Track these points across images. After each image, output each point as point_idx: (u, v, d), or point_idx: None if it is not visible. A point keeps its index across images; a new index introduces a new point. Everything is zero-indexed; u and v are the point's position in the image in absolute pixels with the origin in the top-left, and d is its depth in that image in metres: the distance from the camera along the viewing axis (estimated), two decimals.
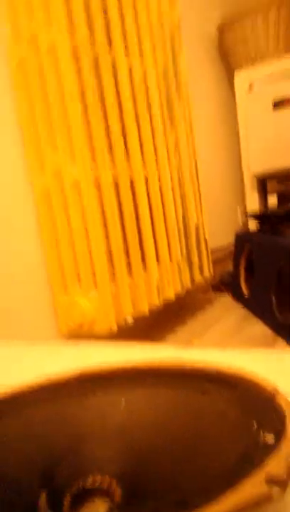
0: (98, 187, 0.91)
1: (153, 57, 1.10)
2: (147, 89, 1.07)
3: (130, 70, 1.02)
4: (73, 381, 0.36)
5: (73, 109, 0.86)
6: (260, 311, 1.25)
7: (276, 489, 0.18)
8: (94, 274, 0.91)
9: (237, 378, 0.30)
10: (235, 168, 1.97)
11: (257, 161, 1.76)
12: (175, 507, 0.19)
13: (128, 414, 0.32)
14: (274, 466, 0.19)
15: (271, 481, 0.18)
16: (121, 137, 0.97)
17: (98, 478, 0.27)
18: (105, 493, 0.26)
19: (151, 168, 1.07)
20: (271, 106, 1.68)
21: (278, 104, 1.67)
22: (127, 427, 0.31)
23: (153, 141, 1.09)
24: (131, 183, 1.01)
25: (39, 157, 0.91)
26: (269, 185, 1.83)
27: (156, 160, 1.10)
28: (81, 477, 0.27)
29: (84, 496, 0.26)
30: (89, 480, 0.27)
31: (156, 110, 1.10)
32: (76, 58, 0.87)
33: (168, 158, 1.15)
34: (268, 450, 0.21)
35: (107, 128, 0.95)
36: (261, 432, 0.24)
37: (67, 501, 0.25)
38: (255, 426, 0.25)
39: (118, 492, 0.25)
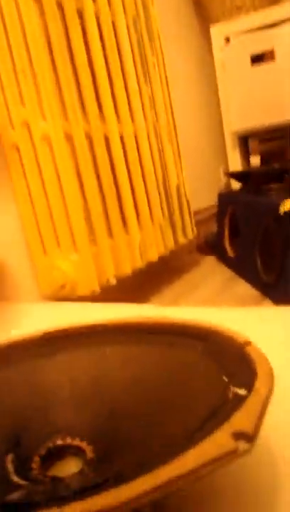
0: (70, 143, 0.86)
1: (122, 5, 1.04)
2: (117, 38, 1.02)
3: (98, 19, 0.95)
4: (38, 341, 0.34)
5: (39, 60, 0.81)
6: (245, 272, 1.25)
7: (243, 444, 0.17)
8: (73, 236, 0.88)
9: (209, 332, 0.29)
10: (216, 127, 1.92)
11: (238, 119, 1.71)
12: (138, 467, 0.18)
13: (97, 373, 0.31)
14: (241, 420, 0.19)
15: (238, 435, 0.18)
16: (93, 90, 0.92)
17: (68, 439, 0.25)
18: (76, 452, 0.25)
19: (126, 124, 1.02)
20: (249, 61, 1.62)
21: (256, 59, 1.62)
22: (97, 386, 0.30)
23: (127, 95, 1.04)
24: (106, 140, 0.97)
25: (5, 110, 0.86)
26: (252, 146, 1.80)
27: (131, 115, 1.05)
28: (50, 439, 0.26)
29: (55, 457, 0.25)
30: (59, 441, 0.25)
31: (128, 63, 1.04)
32: (39, 3, 0.81)
33: (144, 114, 1.11)
34: (237, 404, 0.20)
35: (77, 80, 0.90)
36: (231, 386, 0.23)
37: (36, 463, 0.24)
38: (225, 379, 0.24)
39: (89, 450, 0.24)
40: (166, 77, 1.24)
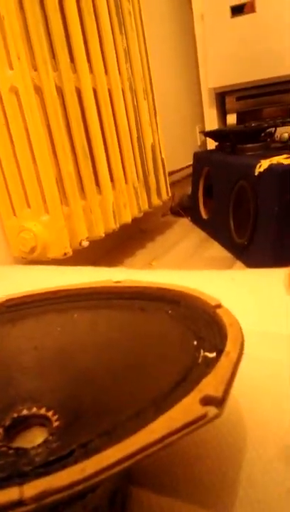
0: (40, 95, 0.81)
1: None
2: None
3: None
4: (0, 308, 0.32)
5: (5, 1, 0.73)
6: (218, 234, 1.25)
7: (212, 409, 0.17)
8: (43, 196, 0.84)
9: (180, 296, 0.29)
10: (193, 83, 1.86)
11: (215, 75, 1.65)
12: (106, 437, 0.17)
13: (64, 339, 0.30)
14: (210, 385, 0.18)
15: (208, 400, 0.17)
16: (64, 38, 0.85)
17: (34, 408, 0.24)
18: (42, 423, 0.24)
19: (100, 77, 0.97)
20: (228, 12, 1.55)
21: (236, 11, 1.54)
22: (63, 353, 0.29)
23: (100, 44, 0.97)
24: (78, 93, 0.91)
25: None
26: (228, 104, 1.75)
27: (105, 67, 0.99)
28: (14, 409, 0.24)
29: (20, 427, 0.24)
30: (24, 411, 0.24)
31: (102, 9, 0.97)
32: None
33: (118, 67, 1.05)
34: (207, 368, 0.20)
35: (47, 26, 0.83)
36: (202, 350, 0.22)
37: None
38: (195, 343, 0.23)
39: (55, 420, 0.23)
40: (143, 27, 1.16)
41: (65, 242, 0.86)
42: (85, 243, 0.92)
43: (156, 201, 1.25)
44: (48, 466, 0.16)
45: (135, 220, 1.15)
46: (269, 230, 0.93)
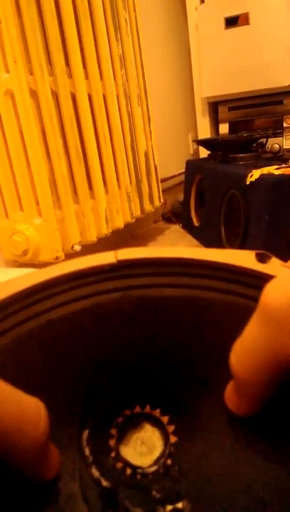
0: (35, 99, 0.81)
1: None
2: None
3: None
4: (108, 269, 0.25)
5: (3, 6, 0.74)
6: (209, 241, 1.26)
7: None
8: (36, 199, 0.84)
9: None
10: (187, 92, 1.88)
11: (209, 84, 1.68)
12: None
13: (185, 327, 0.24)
14: None
15: None
16: (60, 43, 0.86)
17: (147, 407, 0.22)
18: (154, 423, 0.21)
19: (95, 82, 0.97)
20: (223, 23, 1.57)
21: (230, 22, 1.57)
22: (186, 346, 0.23)
23: (96, 50, 0.98)
24: (73, 98, 0.92)
25: None
26: (221, 114, 1.77)
27: (100, 73, 1.00)
28: (126, 404, 0.22)
29: (130, 425, 0.21)
30: (137, 409, 0.22)
31: (98, 16, 0.98)
32: None
33: (113, 72, 1.06)
34: None
35: (44, 31, 0.83)
36: None
37: (113, 440, 0.20)
38: None
39: (171, 430, 0.21)
40: (138, 35, 1.18)
41: (57, 246, 0.86)
42: (77, 247, 0.92)
43: (148, 207, 1.26)
44: None
45: (127, 226, 1.15)
46: (259, 238, 0.94)
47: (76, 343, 0.22)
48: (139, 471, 0.20)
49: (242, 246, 1.01)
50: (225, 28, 1.58)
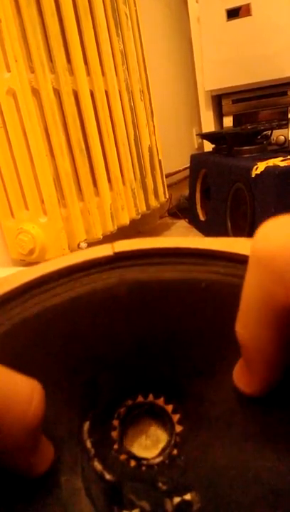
0: (37, 98, 0.81)
1: None
2: None
3: None
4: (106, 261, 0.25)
5: (3, 5, 0.74)
6: (215, 235, 1.25)
7: None
8: (41, 198, 0.84)
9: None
10: (190, 85, 1.86)
11: (212, 77, 1.66)
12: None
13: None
14: None
15: None
16: (61, 41, 0.86)
17: (150, 396, 0.21)
18: (157, 414, 0.21)
19: (97, 79, 0.97)
20: (224, 15, 1.55)
21: (232, 14, 1.55)
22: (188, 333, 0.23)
23: (97, 46, 0.97)
24: (75, 95, 0.91)
25: None
26: (225, 107, 1.76)
27: (102, 69, 1.00)
28: (128, 395, 0.21)
29: (133, 416, 0.21)
30: (140, 398, 0.21)
31: (98, 11, 0.97)
32: None
33: (115, 68, 1.05)
34: None
35: (44, 30, 0.83)
36: None
37: (116, 431, 0.20)
38: None
39: (176, 419, 0.20)
40: (139, 30, 1.17)
41: (63, 244, 0.86)
42: (83, 245, 0.92)
43: (153, 203, 1.26)
44: None
45: (133, 222, 1.15)
46: None
47: (72, 331, 0.21)
48: (144, 462, 0.19)
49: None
50: (227, 20, 1.56)
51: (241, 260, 0.23)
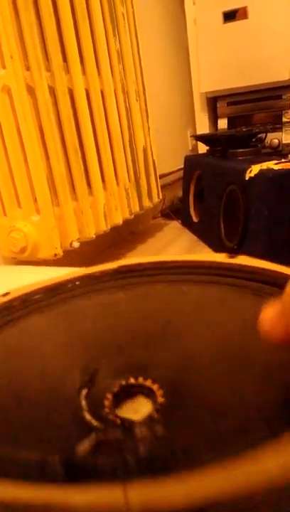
0: (33, 95, 0.81)
1: None
2: None
3: None
4: (114, 274, 0.33)
5: (0, 5, 0.73)
6: (208, 237, 1.26)
7: None
8: (34, 196, 0.84)
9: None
10: (185, 87, 1.87)
11: (207, 79, 1.67)
12: (208, 444, 0.16)
13: (172, 312, 0.29)
14: None
15: None
16: (57, 39, 0.85)
17: (140, 379, 0.24)
18: (147, 394, 0.24)
19: (92, 78, 0.97)
20: (221, 18, 1.56)
21: (228, 16, 1.56)
22: (170, 326, 0.28)
23: (94, 45, 0.97)
24: (71, 94, 0.91)
25: None
26: (220, 109, 1.76)
27: (98, 68, 0.99)
28: (123, 377, 0.24)
29: (126, 395, 0.24)
30: (131, 379, 0.24)
31: (95, 10, 0.97)
32: None
33: (111, 68, 1.05)
34: None
35: (40, 27, 0.82)
36: None
37: (108, 400, 0.23)
38: None
39: (159, 394, 0.23)
40: (136, 30, 1.17)
41: (55, 243, 0.85)
42: (76, 244, 0.91)
43: (147, 203, 1.26)
44: (151, 464, 0.15)
45: (126, 222, 1.15)
46: (259, 234, 0.94)
47: (83, 324, 0.29)
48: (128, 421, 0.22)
49: (242, 242, 1.00)
50: (223, 23, 1.57)
51: (216, 266, 0.31)
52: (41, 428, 0.21)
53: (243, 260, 0.31)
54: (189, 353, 0.25)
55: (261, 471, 0.14)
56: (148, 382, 0.24)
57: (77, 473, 0.15)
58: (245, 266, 0.30)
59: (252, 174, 0.95)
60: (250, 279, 0.29)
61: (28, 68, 0.80)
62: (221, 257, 0.33)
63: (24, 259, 0.86)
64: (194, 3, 1.61)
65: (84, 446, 0.18)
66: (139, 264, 0.34)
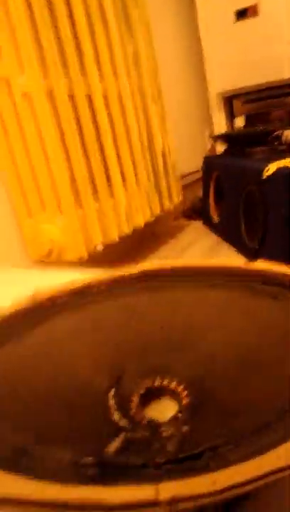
0: (52, 101, 0.84)
1: None
2: None
3: None
4: (137, 277, 0.35)
5: (18, 12, 0.77)
6: (230, 237, 1.26)
7: None
8: (58, 198, 0.87)
9: None
10: (201, 87, 1.88)
11: (222, 79, 1.67)
12: (232, 440, 0.17)
13: (194, 316, 0.30)
14: None
15: None
16: (74, 45, 0.88)
17: (166, 381, 0.25)
18: (172, 395, 0.25)
19: (110, 82, 0.99)
20: (233, 17, 1.57)
21: (239, 15, 1.56)
22: (193, 330, 0.29)
23: (110, 50, 1.00)
24: (89, 99, 0.94)
25: None
26: (236, 108, 1.77)
27: (114, 73, 1.01)
28: (149, 379, 0.25)
29: (152, 396, 0.25)
30: (157, 381, 0.25)
31: (110, 16, 0.99)
32: None
33: (127, 72, 1.07)
34: None
35: (58, 35, 0.86)
36: None
37: (135, 402, 0.24)
38: None
39: (184, 396, 0.24)
40: (150, 33, 1.19)
41: (80, 246, 0.88)
42: (100, 247, 0.94)
43: (167, 205, 1.27)
44: (180, 463, 0.16)
45: (147, 224, 1.17)
46: (279, 233, 0.94)
47: (109, 326, 0.30)
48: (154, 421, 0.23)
49: (262, 241, 1.01)
50: (235, 21, 1.57)
51: (233, 272, 0.34)
52: (71, 428, 0.21)
53: (262, 265, 0.33)
54: (211, 356, 0.26)
55: (282, 467, 0.15)
56: (173, 384, 0.25)
57: (109, 472, 0.16)
58: (264, 271, 0.32)
59: (269, 173, 0.95)
60: (270, 283, 0.30)
61: (46, 75, 0.84)
62: (240, 262, 0.34)
63: (51, 261, 0.89)
64: (206, 2, 1.62)
65: (114, 446, 0.19)
66: (162, 269, 0.35)
